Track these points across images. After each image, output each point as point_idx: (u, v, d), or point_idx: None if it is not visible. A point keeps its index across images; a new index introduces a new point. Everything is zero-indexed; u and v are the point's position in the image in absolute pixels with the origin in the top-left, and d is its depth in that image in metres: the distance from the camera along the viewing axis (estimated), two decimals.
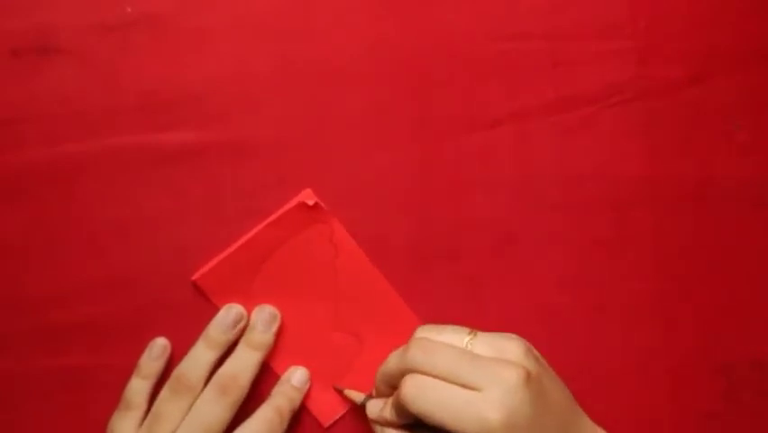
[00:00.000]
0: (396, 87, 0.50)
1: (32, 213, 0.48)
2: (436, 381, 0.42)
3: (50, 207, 0.48)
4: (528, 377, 0.42)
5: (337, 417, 0.50)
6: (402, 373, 0.43)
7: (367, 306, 0.50)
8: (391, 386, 0.46)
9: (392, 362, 0.45)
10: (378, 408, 0.46)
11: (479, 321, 0.49)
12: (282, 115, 0.49)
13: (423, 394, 0.42)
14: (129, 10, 0.49)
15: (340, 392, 0.49)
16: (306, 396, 0.49)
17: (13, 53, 0.48)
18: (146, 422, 0.46)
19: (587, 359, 0.50)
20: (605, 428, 0.47)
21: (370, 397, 0.48)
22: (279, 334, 0.49)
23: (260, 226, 0.49)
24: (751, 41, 0.51)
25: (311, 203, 0.49)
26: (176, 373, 0.47)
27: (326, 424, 0.50)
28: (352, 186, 0.50)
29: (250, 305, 0.49)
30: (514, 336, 0.46)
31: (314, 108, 0.49)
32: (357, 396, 0.49)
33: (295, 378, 0.49)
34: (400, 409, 0.43)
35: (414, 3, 0.50)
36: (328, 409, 0.50)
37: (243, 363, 0.47)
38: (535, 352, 0.46)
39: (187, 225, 0.49)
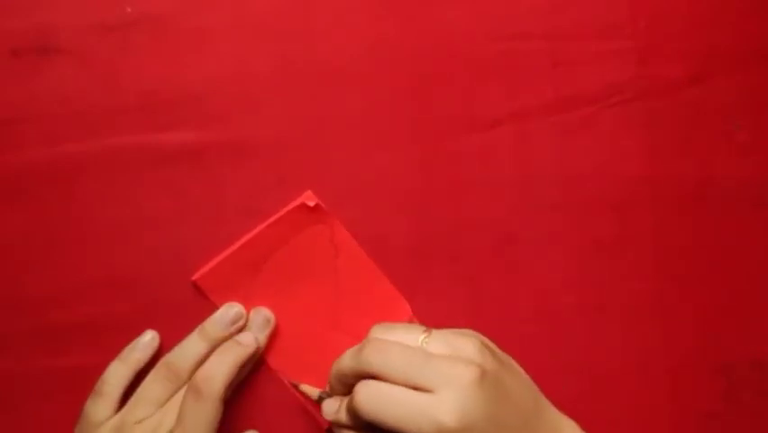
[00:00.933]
0: (396, 87, 0.50)
1: (32, 213, 0.48)
2: (389, 387, 0.42)
3: (50, 207, 0.48)
4: (483, 374, 0.42)
5: None
6: (356, 373, 0.43)
7: (368, 305, 0.49)
8: (345, 384, 0.45)
9: (346, 361, 0.45)
10: (334, 409, 0.46)
11: (479, 321, 0.49)
12: (282, 115, 0.49)
13: (375, 402, 0.42)
14: (129, 10, 0.49)
15: (296, 388, 0.49)
16: (307, 397, 0.49)
17: (13, 53, 0.48)
18: (127, 405, 0.46)
19: (587, 359, 0.50)
20: (606, 427, 0.47)
21: (325, 393, 0.47)
22: (279, 333, 0.49)
23: (260, 227, 0.49)
24: (751, 41, 0.51)
25: (312, 204, 0.49)
26: (164, 360, 0.47)
27: (327, 424, 0.50)
28: (352, 186, 0.50)
29: (249, 305, 0.49)
30: (469, 332, 0.45)
31: (314, 108, 0.49)
32: (312, 392, 0.48)
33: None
34: (355, 414, 0.43)
35: (414, 3, 0.50)
36: None
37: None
38: (492, 346, 0.45)
39: (187, 225, 0.49)
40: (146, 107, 0.49)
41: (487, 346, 0.44)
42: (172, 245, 0.49)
